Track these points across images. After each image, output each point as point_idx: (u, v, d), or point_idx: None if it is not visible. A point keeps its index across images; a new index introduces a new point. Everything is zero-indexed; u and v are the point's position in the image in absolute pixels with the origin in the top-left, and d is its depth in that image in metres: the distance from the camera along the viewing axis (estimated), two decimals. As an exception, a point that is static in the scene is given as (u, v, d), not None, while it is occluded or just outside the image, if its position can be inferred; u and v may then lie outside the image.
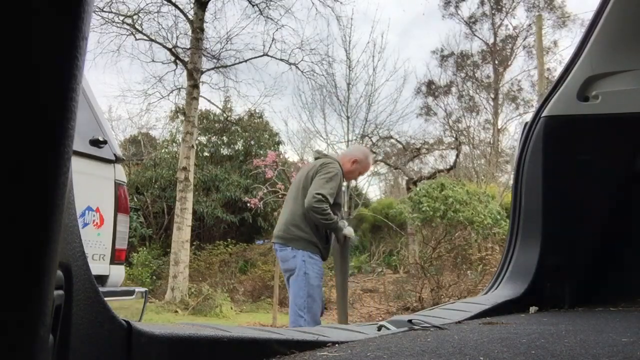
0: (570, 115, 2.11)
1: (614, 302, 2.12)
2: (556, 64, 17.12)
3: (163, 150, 14.60)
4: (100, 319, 0.78)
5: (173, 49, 11.18)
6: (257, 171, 11.98)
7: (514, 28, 18.54)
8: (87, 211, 2.83)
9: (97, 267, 2.87)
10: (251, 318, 8.60)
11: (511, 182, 2.53)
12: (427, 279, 7.83)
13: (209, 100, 13.58)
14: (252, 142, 14.39)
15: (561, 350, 1.09)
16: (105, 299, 0.79)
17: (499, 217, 8.40)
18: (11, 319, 0.40)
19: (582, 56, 2.10)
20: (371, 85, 13.54)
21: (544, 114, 2.15)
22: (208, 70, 11.52)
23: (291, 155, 15.46)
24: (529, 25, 17.73)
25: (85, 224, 2.81)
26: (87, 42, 0.44)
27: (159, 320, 7.61)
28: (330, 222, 3.07)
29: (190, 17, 10.77)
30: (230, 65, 11.81)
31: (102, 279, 2.94)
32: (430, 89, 18.61)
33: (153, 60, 11.65)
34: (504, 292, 2.12)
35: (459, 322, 1.70)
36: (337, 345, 1.23)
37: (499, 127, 17.64)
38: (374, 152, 14.93)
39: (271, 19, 11.63)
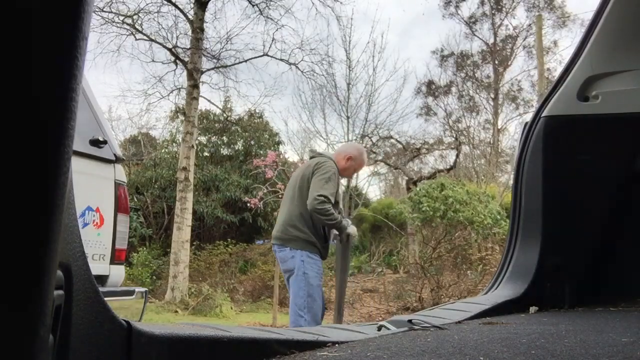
0: (570, 115, 2.11)
1: (614, 302, 2.12)
2: (556, 64, 17.13)
3: (163, 150, 14.60)
4: (100, 319, 0.78)
5: (173, 49, 11.18)
6: (257, 171, 11.97)
7: (514, 28, 18.55)
8: (87, 211, 2.83)
9: (97, 267, 2.87)
10: (251, 318, 8.60)
11: (511, 182, 2.53)
12: (427, 279, 7.83)
13: (209, 100, 13.59)
14: (252, 142, 14.39)
15: (561, 350, 1.09)
16: (105, 299, 0.79)
17: (499, 217, 8.40)
18: (11, 319, 0.40)
19: (582, 56, 2.10)
20: (371, 85, 13.55)
21: (544, 114, 2.15)
22: (208, 70, 11.53)
23: (291, 155, 15.48)
24: (529, 25, 17.74)
25: (85, 224, 2.81)
26: (87, 42, 0.44)
27: (159, 320, 7.61)
28: (334, 222, 3.09)
29: (190, 17, 10.77)
30: (230, 65, 11.82)
31: (102, 279, 2.94)
32: (430, 89, 18.61)
33: (153, 60, 11.66)
34: (504, 292, 2.12)
35: (459, 322, 1.70)
36: (337, 345, 1.23)
37: (499, 127, 17.65)
38: (374, 152, 14.94)
39: (271, 19, 11.64)
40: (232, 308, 9.20)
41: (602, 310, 2.01)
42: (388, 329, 1.53)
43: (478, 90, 18.44)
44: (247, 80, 18.93)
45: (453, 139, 16.28)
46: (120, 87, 32.61)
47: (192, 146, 10.22)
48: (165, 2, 10.85)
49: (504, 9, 18.63)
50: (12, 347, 0.41)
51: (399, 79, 25.53)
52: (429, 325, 1.50)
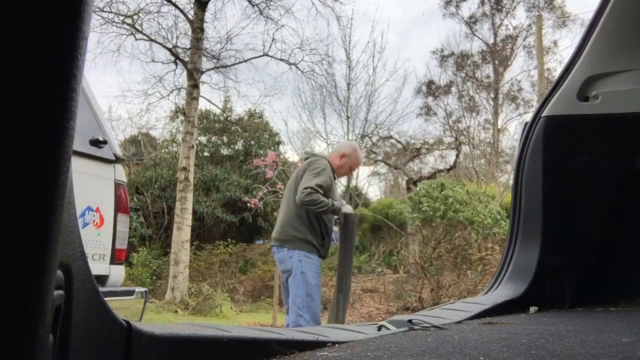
0: (570, 115, 2.11)
1: (614, 302, 2.12)
2: (556, 64, 17.13)
3: (163, 150, 14.60)
4: (100, 319, 0.78)
5: (173, 49, 11.17)
6: (257, 171, 11.98)
7: (514, 28, 18.55)
8: (87, 211, 2.83)
9: (97, 267, 2.87)
10: (251, 318, 8.60)
11: (511, 182, 2.53)
12: (427, 279, 7.83)
13: (209, 100, 13.59)
14: (252, 142, 14.39)
15: (561, 350, 1.09)
16: (105, 299, 0.79)
17: (499, 217, 8.40)
18: (11, 319, 0.40)
19: (582, 56, 2.10)
20: (371, 85, 13.55)
21: (544, 114, 2.15)
22: (208, 70, 11.52)
23: (291, 155, 15.47)
24: (529, 25, 17.74)
25: (85, 224, 2.81)
26: (87, 42, 0.44)
27: (159, 320, 7.61)
28: (326, 207, 3.09)
29: (190, 17, 10.77)
30: (230, 65, 11.82)
31: (102, 279, 2.94)
32: (430, 89, 18.62)
33: (153, 60, 11.66)
34: (504, 292, 2.12)
35: (459, 322, 1.70)
36: (337, 345, 1.23)
37: (499, 127, 17.65)
38: (374, 152, 14.94)
39: (271, 19, 11.64)
40: (232, 308, 9.20)
41: (602, 310, 2.01)
42: (388, 329, 1.53)
43: (478, 90, 18.45)
44: (247, 80, 18.97)
45: (453, 139, 16.28)
46: (120, 87, 32.65)
47: (192, 146, 10.22)
48: (165, 2, 10.85)
49: (504, 9, 18.64)
50: (12, 347, 0.41)
51: (399, 79, 25.55)
52: (429, 325, 1.50)
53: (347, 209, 3.28)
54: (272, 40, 11.67)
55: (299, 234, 3.14)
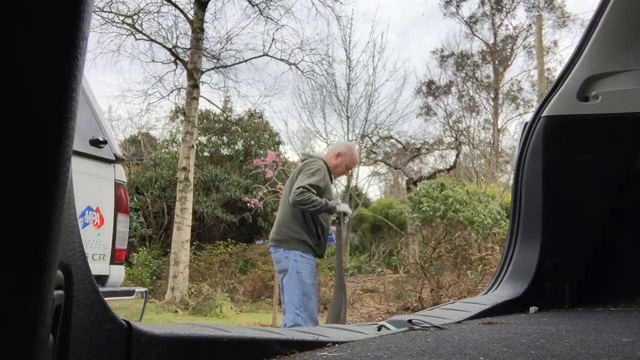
0: (570, 115, 2.11)
1: (614, 302, 2.12)
2: (556, 64, 17.14)
3: (163, 150, 14.60)
4: (100, 319, 0.78)
5: (173, 49, 11.17)
6: (257, 171, 11.98)
7: (514, 28, 18.55)
8: (87, 211, 2.83)
9: (97, 267, 2.87)
10: (251, 318, 8.60)
11: (511, 182, 2.53)
12: (427, 279, 7.83)
13: (209, 100, 13.60)
14: (252, 142, 14.39)
15: (561, 350, 1.09)
16: (105, 299, 0.79)
17: (499, 217, 8.40)
18: (11, 319, 0.40)
19: (582, 56, 2.10)
20: (371, 85, 13.56)
21: (544, 114, 2.15)
22: (208, 70, 11.52)
23: (291, 155, 15.48)
24: (529, 25, 17.74)
25: (85, 224, 2.81)
26: (87, 42, 0.44)
27: (159, 320, 7.61)
28: (319, 206, 3.10)
29: (190, 17, 10.77)
30: (230, 65, 11.81)
31: (102, 279, 2.94)
32: (430, 89, 18.62)
33: (153, 60, 11.66)
34: (504, 292, 2.12)
35: (459, 322, 1.70)
36: (337, 345, 1.23)
37: (499, 127, 17.65)
38: (374, 152, 14.94)
39: (271, 19, 11.64)
40: (232, 308, 9.19)
41: (602, 310, 2.01)
42: (388, 329, 1.53)
43: (478, 90, 18.45)
44: (247, 80, 18.98)
45: (453, 139, 16.28)
46: (120, 87, 32.68)
47: (192, 146, 10.22)
48: (165, 2, 10.85)
49: (504, 9, 18.63)
50: (12, 347, 0.41)
51: (399, 79, 25.55)
52: (429, 325, 1.50)
53: (344, 207, 3.28)
54: (272, 40, 11.68)
55: (294, 234, 3.17)
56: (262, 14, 11.55)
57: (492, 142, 16.78)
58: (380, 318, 7.15)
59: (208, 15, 10.97)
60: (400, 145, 15.40)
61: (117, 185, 3.01)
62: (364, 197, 15.22)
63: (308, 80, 12.56)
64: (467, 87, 18.48)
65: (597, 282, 2.19)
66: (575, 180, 2.14)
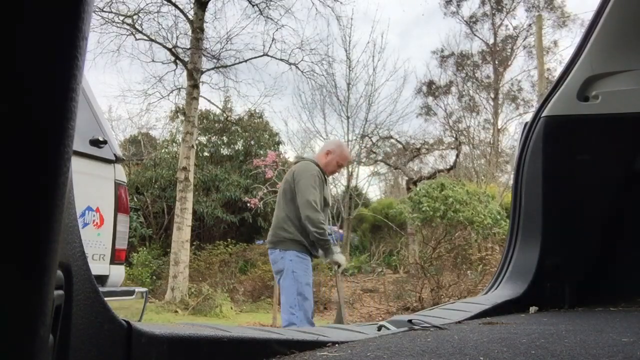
0: (570, 115, 2.11)
1: (614, 302, 2.12)
2: (556, 64, 17.14)
3: (163, 150, 14.60)
4: (100, 319, 0.78)
5: (173, 49, 11.17)
6: (257, 171, 11.97)
7: (514, 28, 18.55)
8: (87, 211, 2.82)
9: (97, 267, 2.87)
10: (251, 318, 8.60)
11: (511, 182, 2.53)
12: (427, 279, 7.83)
13: (209, 100, 13.59)
14: (252, 142, 14.39)
15: (561, 350, 1.09)
16: (105, 299, 0.79)
17: (499, 217, 8.39)
18: (11, 319, 0.40)
19: (582, 56, 2.10)
20: (371, 85, 13.54)
21: (544, 114, 2.15)
22: (208, 70, 11.52)
23: (291, 155, 15.46)
24: (529, 25, 17.74)
25: (85, 224, 2.81)
26: (87, 42, 0.44)
27: (159, 320, 7.61)
28: (326, 244, 3.20)
29: (190, 17, 10.76)
30: (230, 65, 11.81)
31: (102, 279, 2.94)
32: (430, 89, 18.62)
33: (153, 60, 11.65)
34: (504, 292, 2.12)
35: (459, 322, 1.70)
36: (337, 345, 1.23)
37: (499, 127, 17.65)
38: (374, 152, 14.94)
39: (271, 19, 11.63)
40: (232, 308, 9.19)
41: (602, 310, 2.01)
42: (388, 329, 1.53)
43: (478, 90, 18.45)
44: (247, 80, 18.98)
45: (453, 139, 16.27)
46: (120, 87, 32.71)
47: (192, 146, 10.21)
48: (165, 2, 10.84)
49: (504, 9, 18.64)
50: (12, 347, 0.41)
51: (399, 79, 25.58)
52: (429, 325, 1.50)
53: (338, 257, 3.35)
54: (272, 40, 11.67)
55: (289, 235, 3.21)
56: (262, 14, 11.55)
57: (492, 142, 16.78)
58: (380, 318, 7.15)
59: (208, 15, 10.98)
60: (400, 145, 15.39)
61: (117, 185, 3.01)
62: (364, 197, 15.22)
63: (308, 80, 12.56)
64: (467, 87, 18.49)
65: (597, 282, 2.19)
66: (575, 180, 2.14)
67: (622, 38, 2.05)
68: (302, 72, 12.10)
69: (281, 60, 11.89)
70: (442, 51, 18.98)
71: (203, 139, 14.64)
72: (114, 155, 2.97)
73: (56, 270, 0.49)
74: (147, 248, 12.28)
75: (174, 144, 14.76)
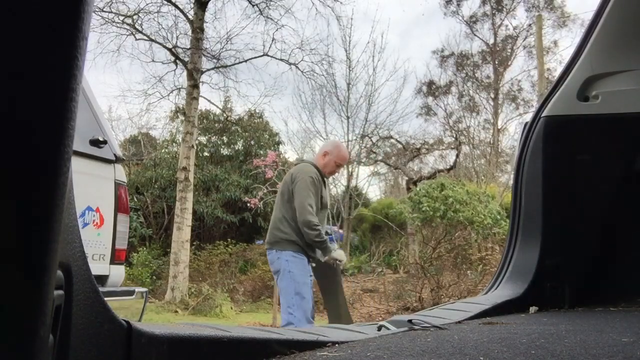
0: (570, 115, 2.11)
1: (614, 302, 2.12)
2: (556, 64, 17.14)
3: (163, 150, 14.60)
4: (100, 319, 0.78)
5: (173, 49, 11.17)
6: (257, 171, 11.97)
7: (514, 28, 18.55)
8: (87, 211, 2.83)
9: (97, 267, 2.87)
10: (251, 318, 8.60)
11: (511, 182, 2.53)
12: (427, 279, 7.83)
13: (209, 100, 13.59)
14: (252, 142, 14.39)
15: (561, 350, 1.09)
16: (105, 299, 0.79)
17: (499, 217, 8.39)
18: (11, 319, 0.40)
19: (582, 56, 2.10)
20: (371, 85, 13.55)
21: (544, 114, 2.15)
22: (208, 70, 11.52)
23: (291, 155, 15.46)
24: (529, 25, 17.74)
25: (85, 224, 2.81)
26: (87, 42, 0.44)
27: (159, 320, 7.61)
28: (324, 245, 3.20)
29: (190, 17, 10.76)
30: (230, 65, 11.81)
31: (102, 279, 2.94)
32: (431, 89, 18.62)
33: (153, 60, 11.65)
34: (504, 292, 2.12)
35: (459, 322, 1.70)
36: (337, 345, 1.23)
37: (499, 127, 17.65)
38: (374, 152, 14.94)
39: (271, 19, 11.63)
40: (232, 308, 9.19)
41: (602, 310, 2.01)
42: (388, 329, 1.53)
43: (478, 90, 18.45)
44: (247, 80, 18.97)
45: (453, 139, 16.27)
46: (120, 87, 32.72)
47: (192, 146, 10.21)
48: (165, 2, 10.84)
49: (504, 9, 18.64)
50: (12, 347, 0.41)
51: (399, 79, 25.57)
52: (429, 325, 1.50)
53: (337, 254, 3.34)
54: (272, 40, 11.67)
55: (285, 235, 3.22)
56: (262, 14, 11.55)
57: (492, 142, 16.78)
58: (380, 318, 7.15)
59: (208, 15, 10.98)
60: (400, 145, 15.39)
61: (117, 185, 3.01)
62: (364, 197, 15.22)
63: (308, 80, 12.56)
64: (467, 87, 18.49)
65: (597, 282, 2.19)
66: (575, 181, 2.14)
67: (622, 38, 2.05)
68: (302, 72, 12.11)
69: (281, 60, 11.89)
70: (442, 51, 18.99)
71: (203, 139, 14.64)
72: (114, 155, 2.97)
73: (56, 270, 0.49)
74: (147, 248, 12.28)
75: (174, 144, 14.76)
